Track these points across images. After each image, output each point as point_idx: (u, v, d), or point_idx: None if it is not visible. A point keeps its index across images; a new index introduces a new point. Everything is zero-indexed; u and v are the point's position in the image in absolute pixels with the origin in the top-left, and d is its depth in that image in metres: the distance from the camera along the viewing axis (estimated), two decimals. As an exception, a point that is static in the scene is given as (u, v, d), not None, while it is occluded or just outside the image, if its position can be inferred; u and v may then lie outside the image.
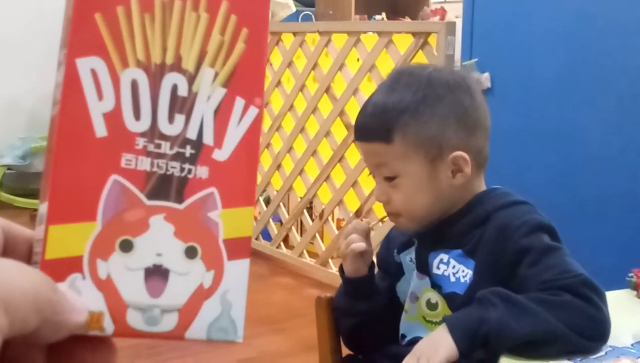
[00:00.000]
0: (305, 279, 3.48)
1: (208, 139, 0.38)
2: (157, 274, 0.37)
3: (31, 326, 0.31)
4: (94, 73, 0.36)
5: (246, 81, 0.38)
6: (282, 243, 3.76)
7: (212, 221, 0.38)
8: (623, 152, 2.31)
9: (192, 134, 0.38)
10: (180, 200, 0.37)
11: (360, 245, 1.19)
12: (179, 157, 0.37)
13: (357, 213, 3.22)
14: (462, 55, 2.77)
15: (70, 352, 0.35)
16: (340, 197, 3.31)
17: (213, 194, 0.38)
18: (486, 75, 2.67)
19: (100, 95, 0.36)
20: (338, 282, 3.20)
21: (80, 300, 0.35)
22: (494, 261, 1.09)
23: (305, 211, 3.60)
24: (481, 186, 1.19)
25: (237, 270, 0.38)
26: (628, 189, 2.30)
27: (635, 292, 1.25)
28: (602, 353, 0.98)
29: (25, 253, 0.37)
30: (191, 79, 0.38)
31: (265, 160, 3.76)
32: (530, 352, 0.98)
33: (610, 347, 0.99)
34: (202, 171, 0.38)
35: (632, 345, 1.02)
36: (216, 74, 0.38)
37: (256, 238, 3.86)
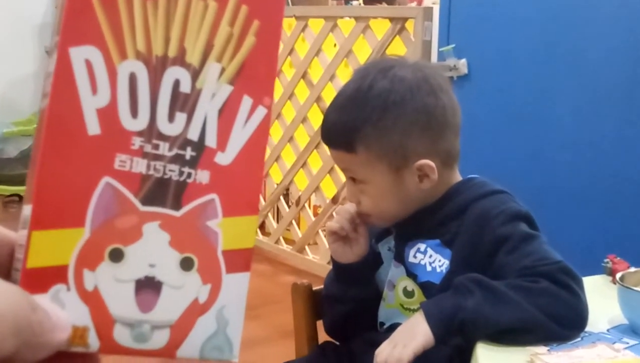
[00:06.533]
0: (282, 266, 3.47)
1: (211, 140, 0.34)
2: (148, 287, 0.34)
3: (8, 350, 0.28)
4: (88, 64, 0.32)
5: (255, 78, 0.35)
6: (258, 230, 3.74)
7: (211, 230, 0.35)
8: (599, 138, 2.33)
9: (193, 135, 0.34)
10: (177, 206, 0.34)
11: (332, 224, 1.18)
12: (178, 159, 0.34)
13: (334, 200, 3.21)
14: (440, 41, 2.76)
15: None
16: (317, 184, 3.30)
17: (214, 201, 0.35)
18: (463, 61, 2.66)
19: (94, 89, 0.33)
20: (314, 268, 3.22)
21: (63, 314, 0.32)
22: (472, 250, 1.09)
23: (281, 198, 3.58)
24: (455, 178, 1.18)
25: (236, 285, 0.35)
26: (604, 175, 2.32)
27: (610, 278, 1.26)
28: (578, 339, 0.98)
29: (6, 258, 0.34)
30: (195, 74, 0.34)
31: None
32: (507, 339, 0.98)
33: (586, 332, 1.00)
34: (202, 176, 0.34)
35: (607, 330, 1.02)
36: (223, 70, 0.35)
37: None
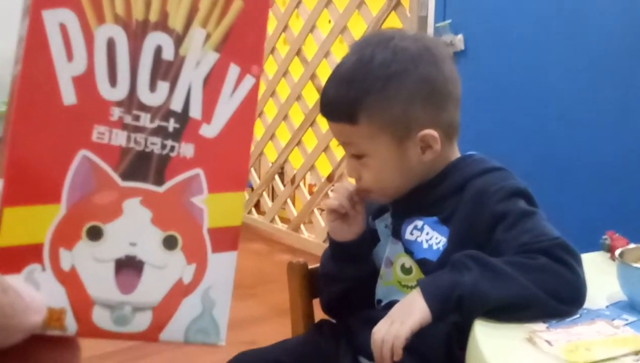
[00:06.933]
0: (277, 245, 3.46)
1: (195, 111, 0.33)
2: (129, 267, 0.32)
3: None
4: (63, 28, 0.30)
5: (243, 45, 0.33)
6: (253, 209, 3.73)
7: (196, 207, 0.33)
8: (598, 113, 2.31)
9: (177, 105, 0.32)
10: (160, 182, 0.32)
11: (331, 202, 1.17)
12: (160, 131, 0.32)
13: (329, 179, 3.20)
14: (436, 16, 2.74)
15: (25, 353, 0.30)
16: (312, 162, 3.28)
17: (199, 176, 0.33)
18: (459, 36, 2.64)
19: (69, 56, 0.31)
20: (310, 247, 3.22)
21: (37, 296, 0.30)
22: (470, 228, 1.08)
23: (276, 176, 3.57)
24: (455, 154, 1.17)
25: (223, 264, 0.34)
26: (602, 151, 2.30)
27: (609, 255, 1.25)
28: (577, 315, 0.97)
29: None
30: (178, 41, 0.32)
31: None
32: (505, 315, 0.97)
33: (585, 309, 0.98)
34: (187, 149, 0.33)
35: (606, 307, 1.01)
36: (208, 36, 0.33)
37: (227, 204, 3.84)
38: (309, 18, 3.20)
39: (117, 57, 0.31)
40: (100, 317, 0.32)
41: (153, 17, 0.32)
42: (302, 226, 3.39)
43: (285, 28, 3.35)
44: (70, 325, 0.31)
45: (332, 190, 3.34)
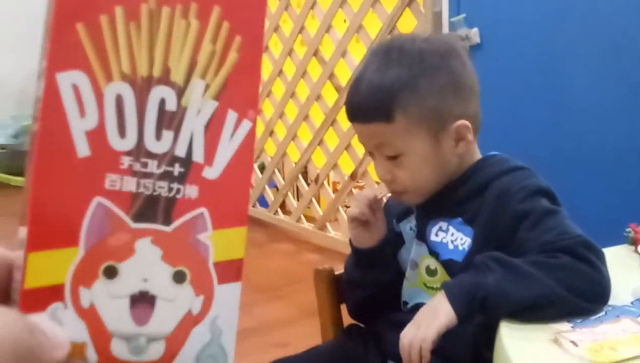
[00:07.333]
0: (304, 244, 3.49)
1: (198, 156, 0.36)
2: (143, 301, 0.35)
3: None
4: (75, 89, 0.34)
5: (239, 93, 0.36)
6: (279, 210, 3.76)
7: (201, 243, 0.36)
8: (615, 104, 2.29)
9: (181, 151, 0.36)
10: (168, 222, 0.35)
11: (352, 211, 1.19)
12: (166, 176, 0.35)
13: (352, 176, 3.22)
14: (450, 11, 2.73)
15: None
16: (334, 161, 3.30)
17: (203, 215, 0.36)
18: (475, 30, 2.63)
19: (82, 112, 0.34)
20: (337, 246, 3.24)
21: (61, 332, 0.33)
22: (493, 228, 1.08)
23: (300, 176, 3.59)
24: (477, 152, 1.18)
25: (228, 295, 0.37)
26: (623, 141, 2.28)
27: (633, 248, 1.24)
28: (602, 313, 0.97)
29: (5, 276, 0.36)
30: (180, 92, 0.35)
31: (258, 127, 3.73)
32: (529, 315, 0.97)
33: (609, 306, 0.98)
34: (191, 191, 0.36)
35: (632, 303, 1.00)
36: (207, 86, 0.36)
37: (253, 206, 3.87)
38: (324, 18, 3.22)
39: (125, 111, 0.35)
40: (118, 348, 0.35)
41: (156, 72, 0.35)
42: (328, 224, 3.41)
43: (301, 29, 3.37)
44: (91, 357, 0.35)
45: (355, 187, 3.37)
